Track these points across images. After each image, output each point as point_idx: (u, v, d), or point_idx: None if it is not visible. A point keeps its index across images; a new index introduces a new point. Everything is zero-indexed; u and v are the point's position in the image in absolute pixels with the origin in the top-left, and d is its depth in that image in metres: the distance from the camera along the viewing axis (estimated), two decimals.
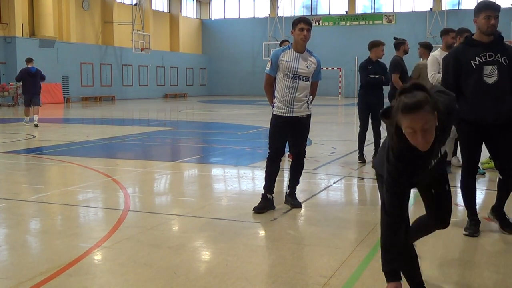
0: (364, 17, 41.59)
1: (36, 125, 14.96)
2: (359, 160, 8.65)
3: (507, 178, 4.70)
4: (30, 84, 15.55)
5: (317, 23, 40.47)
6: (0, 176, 7.74)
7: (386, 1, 41.48)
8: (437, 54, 7.19)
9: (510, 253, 4.27)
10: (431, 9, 39.92)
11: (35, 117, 15.20)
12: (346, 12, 42.07)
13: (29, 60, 15.82)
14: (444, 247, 4.51)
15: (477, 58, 4.51)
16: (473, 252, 4.38)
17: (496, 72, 4.49)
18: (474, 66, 4.51)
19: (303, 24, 5.44)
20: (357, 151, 8.77)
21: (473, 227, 4.67)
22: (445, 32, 7.60)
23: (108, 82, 35.36)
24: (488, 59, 4.50)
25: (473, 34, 4.71)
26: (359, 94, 8.88)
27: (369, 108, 8.47)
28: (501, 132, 4.59)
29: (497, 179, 4.83)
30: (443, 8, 39.77)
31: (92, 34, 34.56)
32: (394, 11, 40.94)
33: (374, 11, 41.81)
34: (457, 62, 4.58)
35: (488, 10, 4.49)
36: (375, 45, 8.56)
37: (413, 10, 40.68)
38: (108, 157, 9.88)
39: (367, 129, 8.72)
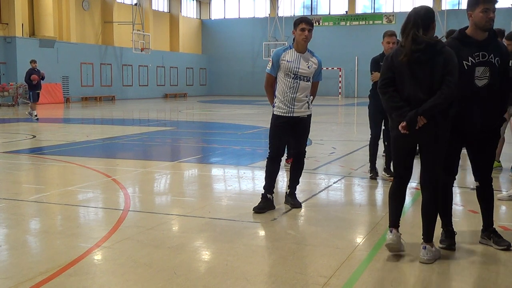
0: (364, 17, 41.58)
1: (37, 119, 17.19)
2: (370, 174, 7.31)
3: (486, 189, 4.35)
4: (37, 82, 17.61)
5: (317, 23, 40.44)
6: (0, 176, 7.74)
7: (386, 1, 41.47)
8: None
9: (509, 252, 4.27)
10: None
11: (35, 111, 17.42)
12: (346, 12, 42.08)
13: (33, 62, 17.83)
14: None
15: (469, 58, 4.09)
16: (474, 253, 4.37)
17: (487, 74, 4.08)
18: (466, 67, 4.08)
19: (304, 24, 5.43)
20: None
21: (449, 239, 4.32)
22: (450, 34, 7.61)
23: (108, 82, 35.36)
24: (481, 59, 4.08)
25: (466, 27, 4.22)
26: (370, 96, 7.41)
27: (382, 112, 6.28)
28: (486, 140, 4.24)
29: (475, 187, 4.45)
30: (443, 8, 39.75)
31: (92, 34, 34.56)
32: (394, 11, 40.88)
33: (374, 11, 41.81)
34: None
35: (486, 3, 4.03)
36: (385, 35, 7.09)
37: None
38: (108, 157, 9.88)
39: (379, 138, 7.32)
